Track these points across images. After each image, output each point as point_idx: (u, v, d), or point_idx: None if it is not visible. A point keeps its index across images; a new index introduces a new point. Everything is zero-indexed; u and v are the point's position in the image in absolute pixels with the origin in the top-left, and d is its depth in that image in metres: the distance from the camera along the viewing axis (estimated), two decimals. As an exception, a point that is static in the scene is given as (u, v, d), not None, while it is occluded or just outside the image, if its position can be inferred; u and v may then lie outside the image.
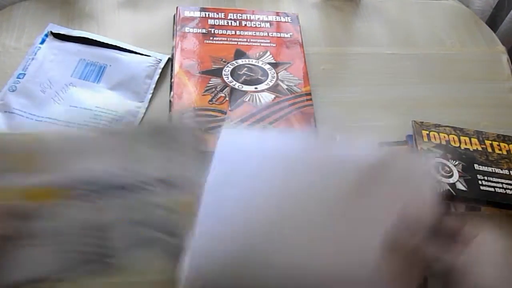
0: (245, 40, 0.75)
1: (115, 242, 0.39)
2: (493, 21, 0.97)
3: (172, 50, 0.73)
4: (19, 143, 0.37)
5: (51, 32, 0.71)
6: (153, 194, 0.39)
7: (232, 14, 0.79)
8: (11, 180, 0.36)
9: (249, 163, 0.39)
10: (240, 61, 0.72)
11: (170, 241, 0.39)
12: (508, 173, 0.63)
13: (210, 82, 0.69)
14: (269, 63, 0.73)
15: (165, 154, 0.39)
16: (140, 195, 0.39)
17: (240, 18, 0.78)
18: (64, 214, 0.38)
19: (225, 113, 0.65)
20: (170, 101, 0.66)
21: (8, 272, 0.38)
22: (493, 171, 0.62)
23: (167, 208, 0.40)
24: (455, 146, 0.65)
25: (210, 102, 0.66)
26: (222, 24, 0.77)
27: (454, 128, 0.67)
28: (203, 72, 0.70)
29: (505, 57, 0.82)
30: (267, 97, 0.68)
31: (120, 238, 0.39)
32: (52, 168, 0.37)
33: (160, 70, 0.70)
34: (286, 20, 0.80)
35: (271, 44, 0.75)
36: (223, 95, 0.67)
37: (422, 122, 0.67)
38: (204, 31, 0.75)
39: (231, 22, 0.78)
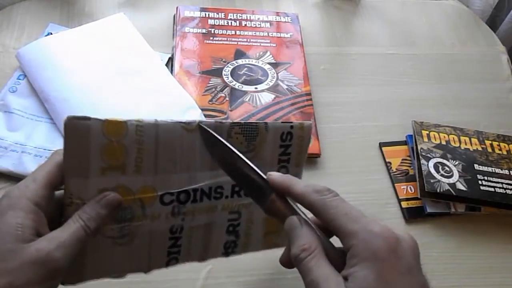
0: (245, 40, 0.75)
1: (187, 243, 0.43)
2: (493, 21, 0.97)
3: (172, 50, 0.72)
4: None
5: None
6: (224, 198, 0.43)
7: (232, 14, 0.79)
8: (124, 179, 0.37)
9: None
10: (240, 61, 0.72)
11: (235, 240, 0.45)
12: (508, 173, 0.63)
13: (210, 82, 0.69)
14: (269, 63, 0.73)
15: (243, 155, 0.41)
16: (213, 200, 0.42)
17: (240, 18, 0.78)
18: (155, 217, 0.40)
19: (225, 113, 0.65)
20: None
21: (93, 267, 0.39)
22: (493, 171, 0.62)
23: (233, 211, 0.44)
24: (455, 146, 0.65)
25: (210, 102, 0.66)
26: (222, 24, 0.77)
27: (454, 128, 0.67)
28: (203, 72, 0.70)
29: (505, 57, 0.82)
30: (267, 97, 0.68)
31: (189, 239, 0.43)
32: (150, 169, 0.38)
33: (160, 70, 0.70)
34: (286, 20, 0.80)
35: (271, 44, 0.75)
36: (223, 95, 0.67)
37: (422, 122, 0.67)
38: (204, 31, 0.75)
39: (231, 22, 0.77)
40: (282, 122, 0.42)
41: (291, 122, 0.42)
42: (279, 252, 0.44)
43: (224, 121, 0.43)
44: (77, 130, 0.35)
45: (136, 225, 0.39)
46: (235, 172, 0.39)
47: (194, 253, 0.44)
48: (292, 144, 0.43)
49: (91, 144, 0.35)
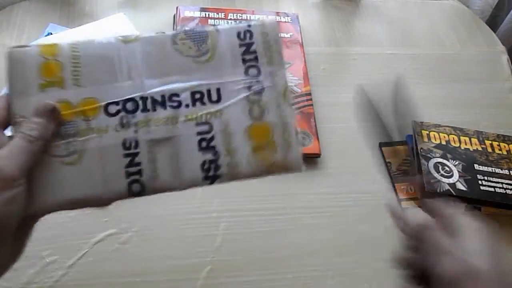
0: (245, 40, 0.75)
1: (149, 162, 0.39)
2: (493, 21, 0.97)
3: (172, 50, 0.73)
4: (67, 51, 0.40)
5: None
6: (184, 108, 0.40)
7: (232, 14, 0.79)
8: (64, 93, 0.39)
9: None
10: (240, 61, 0.72)
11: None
12: (508, 173, 0.63)
13: (210, 82, 0.69)
14: (269, 63, 0.72)
15: (201, 63, 0.40)
16: (170, 110, 0.40)
17: (240, 18, 0.78)
18: (102, 131, 0.39)
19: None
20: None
21: (46, 192, 0.38)
22: (493, 171, 0.62)
23: (195, 119, 0.40)
24: (455, 146, 0.65)
25: (210, 102, 0.66)
26: (222, 24, 0.77)
27: (454, 128, 0.67)
28: (203, 72, 0.70)
29: (505, 57, 0.82)
30: (267, 97, 0.68)
31: (151, 156, 0.39)
32: (89, 81, 0.39)
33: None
34: (286, 20, 0.80)
35: (271, 44, 0.75)
36: (223, 95, 0.67)
37: (422, 122, 0.67)
38: (204, 31, 0.75)
39: (231, 22, 0.77)
40: (239, 24, 0.42)
41: (250, 22, 0.42)
42: (280, 252, 0.44)
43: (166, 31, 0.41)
44: (16, 56, 0.38)
45: (82, 141, 0.38)
46: None
47: (164, 176, 0.39)
48: (255, 42, 0.41)
49: (27, 63, 0.38)
